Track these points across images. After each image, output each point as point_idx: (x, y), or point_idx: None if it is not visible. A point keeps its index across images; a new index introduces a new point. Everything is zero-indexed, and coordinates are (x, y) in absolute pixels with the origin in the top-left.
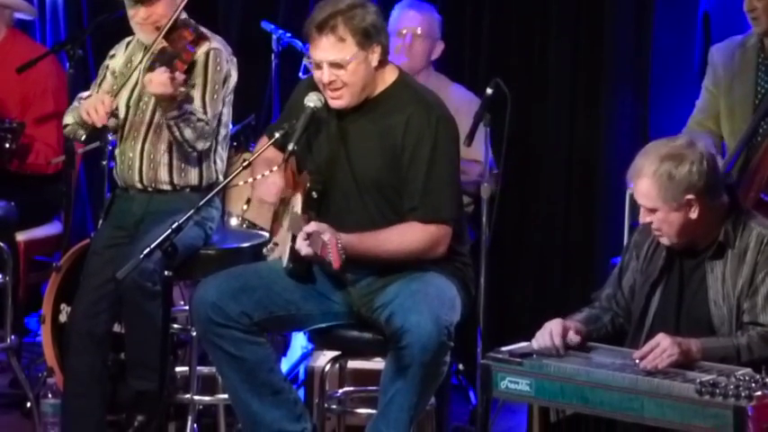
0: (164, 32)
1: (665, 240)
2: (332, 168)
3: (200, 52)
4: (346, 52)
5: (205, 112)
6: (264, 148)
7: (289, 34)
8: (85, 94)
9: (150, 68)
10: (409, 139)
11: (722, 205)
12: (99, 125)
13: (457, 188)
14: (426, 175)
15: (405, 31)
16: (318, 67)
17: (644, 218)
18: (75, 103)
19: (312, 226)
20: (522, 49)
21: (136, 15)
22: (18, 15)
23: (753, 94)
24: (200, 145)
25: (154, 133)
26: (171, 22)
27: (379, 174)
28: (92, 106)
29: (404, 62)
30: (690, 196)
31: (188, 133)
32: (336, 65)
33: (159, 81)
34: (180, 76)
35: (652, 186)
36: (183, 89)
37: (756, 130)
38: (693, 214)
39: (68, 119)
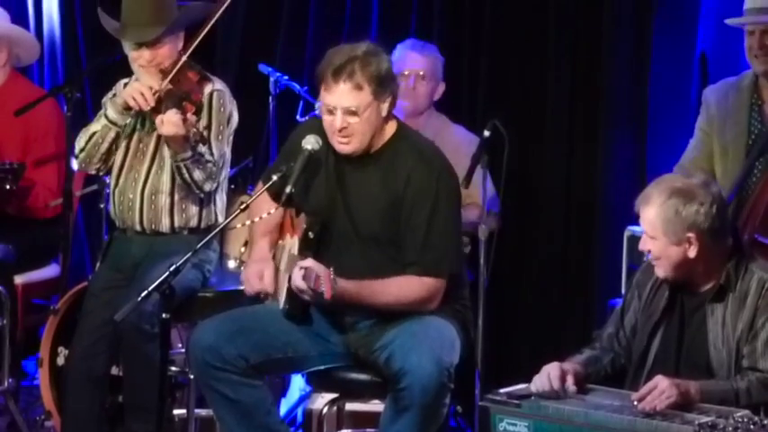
0: (171, 76)
1: (660, 272)
2: (330, 213)
3: (205, 93)
4: (362, 99)
5: (212, 153)
6: (262, 191)
7: (286, 77)
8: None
9: (156, 110)
10: (410, 193)
11: (725, 248)
12: (146, 108)
13: (457, 240)
14: (426, 230)
15: (408, 74)
16: (331, 112)
17: (644, 245)
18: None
19: (309, 261)
20: (519, 89)
21: (140, 58)
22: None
23: (746, 134)
24: (208, 186)
25: (155, 175)
26: (179, 65)
27: (378, 227)
28: (136, 91)
29: (406, 105)
30: (690, 234)
31: (197, 175)
32: (351, 112)
33: (172, 122)
34: (192, 117)
35: (657, 217)
36: (195, 130)
37: (750, 173)
38: (691, 253)
39: (96, 125)
